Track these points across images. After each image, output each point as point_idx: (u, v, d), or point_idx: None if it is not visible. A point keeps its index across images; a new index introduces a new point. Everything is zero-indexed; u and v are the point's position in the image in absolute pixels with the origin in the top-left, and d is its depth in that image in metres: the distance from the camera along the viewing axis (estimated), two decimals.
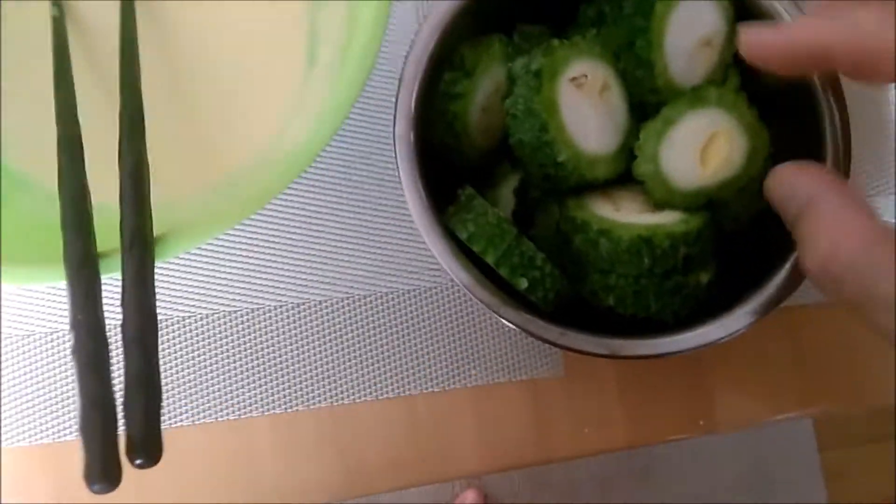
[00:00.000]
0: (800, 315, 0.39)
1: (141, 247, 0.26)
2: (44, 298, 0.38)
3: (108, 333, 0.24)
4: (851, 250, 0.23)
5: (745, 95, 0.32)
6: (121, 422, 0.23)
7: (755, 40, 0.29)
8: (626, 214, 0.32)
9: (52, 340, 0.38)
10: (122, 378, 0.23)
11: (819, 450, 1.11)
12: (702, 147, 0.32)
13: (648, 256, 0.30)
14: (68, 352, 0.37)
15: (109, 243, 0.28)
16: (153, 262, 0.26)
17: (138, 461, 0.22)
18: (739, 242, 0.34)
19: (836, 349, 0.39)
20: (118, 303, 0.25)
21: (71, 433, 0.37)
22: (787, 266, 0.31)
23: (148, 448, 0.22)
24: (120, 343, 0.24)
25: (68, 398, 0.37)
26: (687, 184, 0.32)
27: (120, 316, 0.25)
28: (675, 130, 0.32)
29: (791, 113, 0.33)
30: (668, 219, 0.32)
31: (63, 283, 0.25)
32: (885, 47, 0.24)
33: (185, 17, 0.39)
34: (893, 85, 0.41)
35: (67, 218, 0.26)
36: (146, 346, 0.23)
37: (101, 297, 0.25)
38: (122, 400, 0.23)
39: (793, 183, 0.27)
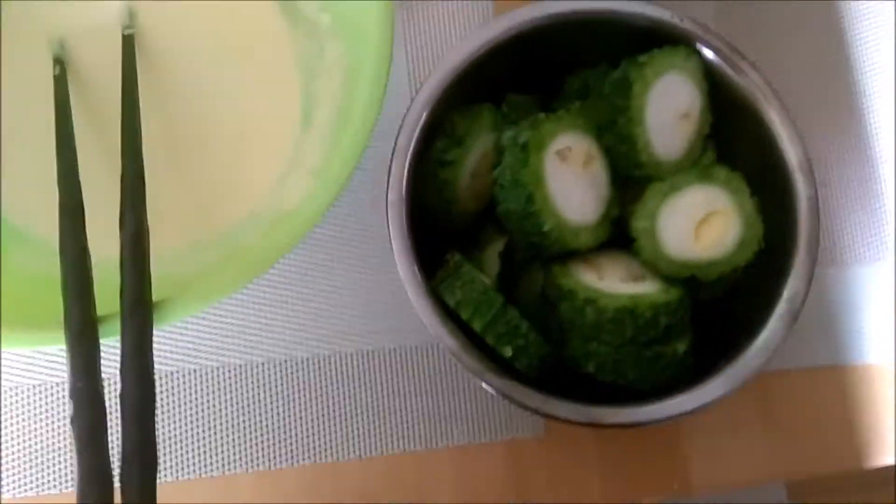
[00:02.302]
0: (772, 379, 0.41)
1: (141, 315, 0.26)
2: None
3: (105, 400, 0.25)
4: None
5: (747, 186, 0.34)
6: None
7: None
8: (609, 283, 0.33)
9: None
10: (118, 446, 0.24)
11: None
12: (699, 221, 0.33)
13: (631, 326, 0.31)
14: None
15: (108, 302, 0.28)
16: (152, 330, 0.27)
17: None
18: (713, 312, 0.35)
19: (807, 412, 0.41)
20: (116, 367, 0.26)
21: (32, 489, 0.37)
22: (761, 337, 0.32)
23: None
24: (116, 409, 0.25)
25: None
26: (676, 252, 0.34)
27: (117, 381, 0.25)
28: (679, 197, 0.34)
29: (765, 189, 0.34)
30: (649, 289, 0.33)
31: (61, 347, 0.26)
32: None
33: (182, 78, 0.40)
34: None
35: (68, 283, 0.27)
36: (145, 418, 0.24)
37: (100, 365, 0.26)
38: (118, 470, 0.23)
39: None
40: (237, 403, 0.38)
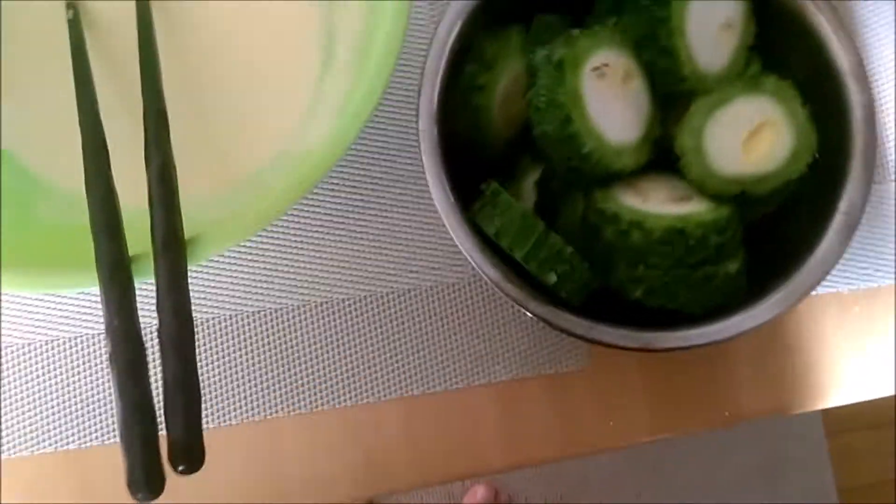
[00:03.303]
0: (821, 301, 0.39)
1: (174, 250, 0.26)
2: (42, 307, 0.38)
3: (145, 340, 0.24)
4: None
5: (799, 93, 0.32)
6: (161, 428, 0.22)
7: None
8: (654, 205, 0.32)
9: (51, 349, 0.38)
10: (159, 383, 0.23)
11: (826, 435, 1.12)
12: (748, 133, 0.32)
13: (681, 247, 0.30)
14: (67, 359, 0.37)
15: (138, 247, 0.27)
16: (186, 265, 0.26)
17: (181, 467, 0.22)
18: (765, 230, 0.34)
19: (860, 335, 0.39)
20: (151, 307, 0.25)
21: (74, 442, 0.37)
22: (817, 253, 0.31)
23: (191, 454, 0.22)
24: (155, 348, 0.24)
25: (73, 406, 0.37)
26: (725, 167, 0.32)
27: (153, 320, 0.25)
28: (726, 110, 0.32)
29: (816, 100, 0.32)
30: (696, 208, 0.32)
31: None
32: None
33: (197, 18, 0.38)
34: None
35: (97, 222, 0.26)
36: (184, 351, 0.23)
37: (135, 302, 0.25)
38: (161, 406, 0.23)
39: None
40: (276, 347, 0.38)
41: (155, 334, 0.24)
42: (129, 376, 0.22)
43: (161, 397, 0.23)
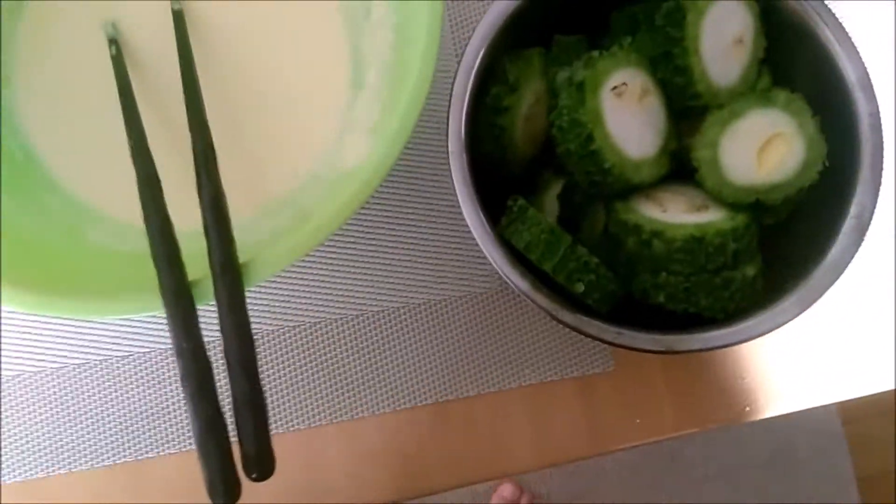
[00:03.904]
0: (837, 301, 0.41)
1: (231, 274, 0.27)
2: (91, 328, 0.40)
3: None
4: None
5: (808, 106, 0.34)
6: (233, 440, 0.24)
7: None
8: (673, 215, 0.34)
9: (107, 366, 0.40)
10: (229, 400, 0.25)
11: (843, 423, 1.13)
12: (761, 145, 0.33)
13: (701, 254, 0.32)
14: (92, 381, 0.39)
15: (193, 271, 0.29)
16: (243, 287, 0.28)
17: (254, 475, 0.23)
18: (779, 235, 0.36)
19: (873, 333, 0.41)
20: (211, 328, 0.27)
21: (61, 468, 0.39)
22: (830, 255, 0.33)
23: (262, 462, 0.24)
24: (222, 366, 0.26)
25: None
26: (740, 178, 0.34)
27: (214, 339, 0.27)
28: (740, 123, 0.34)
29: (825, 110, 0.34)
30: (714, 217, 0.33)
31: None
32: None
33: (229, 49, 0.40)
34: None
35: (158, 252, 0.28)
36: (249, 368, 0.25)
37: (199, 325, 0.27)
38: (231, 420, 0.25)
39: None
40: (315, 359, 0.40)
41: (217, 353, 0.26)
42: (200, 397, 0.24)
43: (232, 412, 0.25)
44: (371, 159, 0.32)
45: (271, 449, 0.24)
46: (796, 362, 0.41)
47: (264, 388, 0.39)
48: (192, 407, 0.24)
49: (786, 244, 0.35)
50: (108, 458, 0.39)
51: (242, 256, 0.30)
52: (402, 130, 0.32)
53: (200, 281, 0.28)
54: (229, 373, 0.25)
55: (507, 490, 0.97)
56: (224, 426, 0.24)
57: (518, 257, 0.33)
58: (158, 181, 0.31)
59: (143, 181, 0.30)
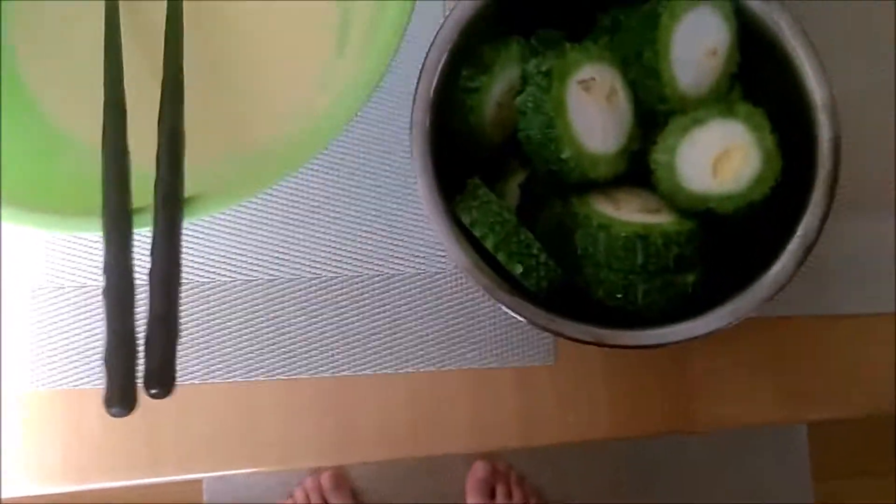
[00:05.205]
0: (779, 325, 0.41)
1: (172, 203, 0.28)
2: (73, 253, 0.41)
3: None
4: None
5: (769, 122, 0.34)
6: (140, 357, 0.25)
7: None
8: (625, 213, 0.34)
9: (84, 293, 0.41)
10: (144, 318, 0.26)
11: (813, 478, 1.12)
12: (718, 155, 0.34)
13: (642, 253, 0.32)
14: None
15: (142, 201, 0.30)
16: (182, 219, 0.28)
17: (154, 391, 0.24)
18: (729, 247, 0.36)
19: (813, 358, 0.41)
20: (146, 254, 0.28)
21: (87, 382, 0.40)
22: (771, 271, 0.33)
23: (163, 379, 0.24)
24: (145, 289, 0.27)
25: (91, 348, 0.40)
26: (694, 184, 0.34)
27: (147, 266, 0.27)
28: (700, 131, 0.34)
29: (788, 128, 0.34)
30: (663, 219, 0.34)
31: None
32: None
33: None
34: None
35: (108, 174, 0.29)
36: (170, 289, 0.26)
37: (132, 246, 0.28)
38: (143, 337, 0.25)
39: None
40: (263, 316, 0.41)
41: (146, 277, 0.27)
42: (118, 309, 0.25)
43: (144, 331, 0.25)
44: (332, 113, 0.33)
45: (174, 367, 0.25)
46: (739, 378, 0.41)
47: (207, 336, 0.40)
48: (107, 319, 0.25)
49: (730, 254, 0.35)
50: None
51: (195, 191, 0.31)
52: (364, 86, 0.32)
53: (144, 209, 0.29)
54: (149, 291, 0.26)
55: (480, 470, 0.93)
56: (134, 343, 0.25)
57: (467, 236, 0.34)
58: (124, 109, 0.31)
59: (109, 105, 0.31)
